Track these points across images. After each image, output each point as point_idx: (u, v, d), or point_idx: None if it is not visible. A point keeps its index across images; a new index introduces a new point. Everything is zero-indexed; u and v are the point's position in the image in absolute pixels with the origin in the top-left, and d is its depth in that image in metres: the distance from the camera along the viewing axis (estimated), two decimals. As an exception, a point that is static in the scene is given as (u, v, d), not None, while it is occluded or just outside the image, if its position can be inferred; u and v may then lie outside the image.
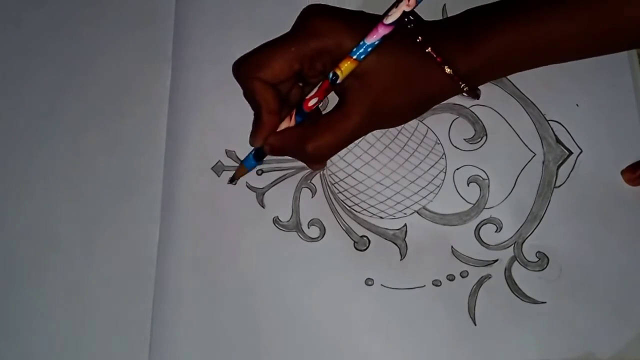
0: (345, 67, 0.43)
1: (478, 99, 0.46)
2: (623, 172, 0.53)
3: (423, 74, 0.44)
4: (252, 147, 0.48)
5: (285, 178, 0.52)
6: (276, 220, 0.51)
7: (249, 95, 0.46)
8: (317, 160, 0.48)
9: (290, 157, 0.52)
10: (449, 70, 0.43)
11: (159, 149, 0.53)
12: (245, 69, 0.45)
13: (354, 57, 0.42)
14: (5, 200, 0.52)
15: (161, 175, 0.52)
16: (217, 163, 0.52)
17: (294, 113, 0.46)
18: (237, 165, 0.52)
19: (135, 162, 0.52)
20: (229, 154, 0.52)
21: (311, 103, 0.45)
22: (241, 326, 0.49)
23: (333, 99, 0.46)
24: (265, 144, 0.46)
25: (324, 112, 0.48)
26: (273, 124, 0.46)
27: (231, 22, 0.55)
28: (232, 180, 0.51)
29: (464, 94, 0.45)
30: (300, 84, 0.47)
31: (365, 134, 0.47)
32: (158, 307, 0.49)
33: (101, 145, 0.53)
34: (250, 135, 0.47)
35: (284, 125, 0.46)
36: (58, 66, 0.55)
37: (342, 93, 0.45)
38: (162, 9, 0.56)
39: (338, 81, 0.44)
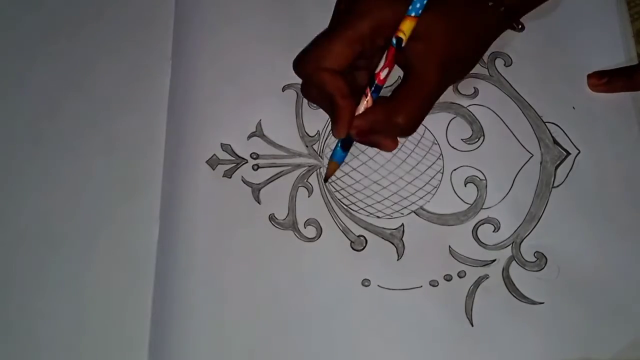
0: (407, 27, 0.44)
1: (524, 30, 0.49)
2: (589, 77, 0.54)
3: (476, 16, 0.46)
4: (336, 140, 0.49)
5: (282, 175, 0.52)
6: (272, 218, 0.51)
7: (319, 88, 0.46)
8: (408, 131, 0.47)
9: (287, 154, 0.52)
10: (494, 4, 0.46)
11: (158, 148, 0.53)
12: (309, 63, 0.46)
13: (412, 14, 0.44)
14: (5, 200, 0.52)
15: (160, 174, 0.52)
16: (212, 156, 0.52)
17: (369, 92, 0.46)
18: (233, 158, 0.52)
19: (135, 161, 0.53)
20: (224, 147, 0.53)
21: (383, 75, 0.46)
22: (239, 325, 0.48)
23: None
24: (352, 129, 0.46)
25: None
26: (351, 108, 0.46)
27: (230, 22, 0.56)
28: (326, 180, 0.52)
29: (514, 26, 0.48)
30: (364, 66, 0.48)
31: (443, 92, 0.47)
32: (157, 306, 0.49)
33: (101, 144, 0.53)
34: (333, 128, 0.47)
35: (362, 107, 0.46)
36: (58, 66, 0.55)
37: (409, 61, 0.46)
38: (161, 9, 0.57)
39: (403, 44, 0.45)
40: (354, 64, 0.46)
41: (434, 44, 0.45)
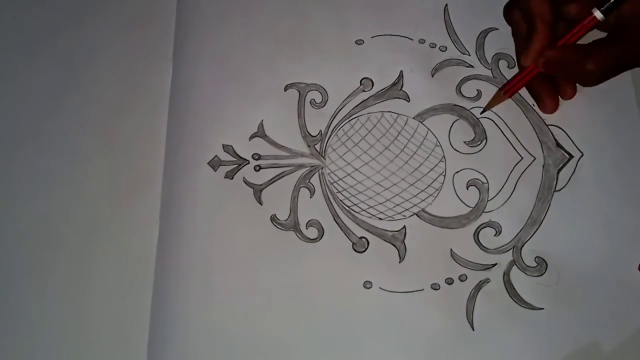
0: None
1: None
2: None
3: None
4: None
5: (283, 176, 0.52)
6: (274, 218, 0.51)
7: (523, 9, 0.47)
8: (592, 80, 0.47)
9: (289, 154, 0.52)
10: None
11: (159, 148, 0.53)
12: None
13: None
14: (5, 200, 0.52)
15: (161, 175, 0.52)
16: (213, 158, 0.52)
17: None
18: (235, 159, 0.52)
19: (135, 161, 0.52)
20: (226, 148, 0.53)
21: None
22: (239, 326, 0.48)
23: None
24: (542, 57, 0.47)
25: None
26: (547, 34, 0.46)
27: (231, 22, 0.56)
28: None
29: None
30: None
31: (634, 67, 0.47)
32: (157, 306, 0.49)
33: (101, 144, 0.53)
34: (522, 53, 0.48)
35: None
36: (58, 66, 0.55)
37: (620, 20, 0.46)
38: (163, 8, 0.56)
39: None
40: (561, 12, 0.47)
41: None
